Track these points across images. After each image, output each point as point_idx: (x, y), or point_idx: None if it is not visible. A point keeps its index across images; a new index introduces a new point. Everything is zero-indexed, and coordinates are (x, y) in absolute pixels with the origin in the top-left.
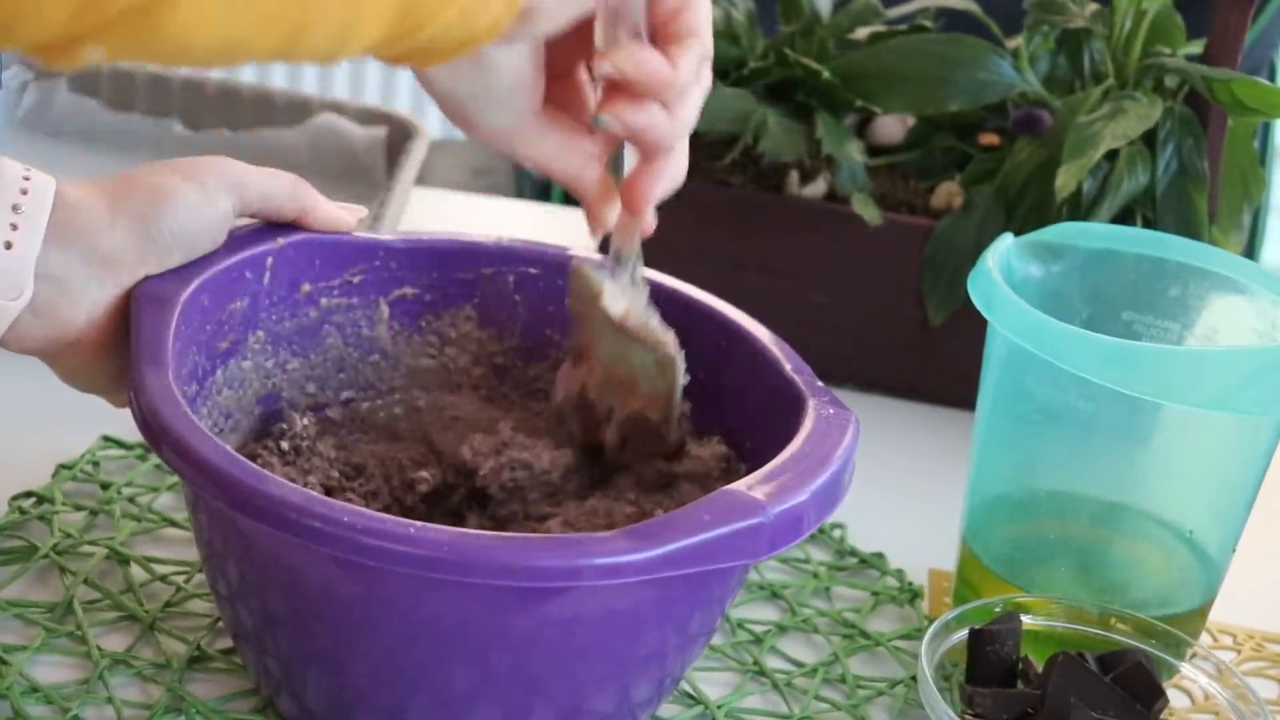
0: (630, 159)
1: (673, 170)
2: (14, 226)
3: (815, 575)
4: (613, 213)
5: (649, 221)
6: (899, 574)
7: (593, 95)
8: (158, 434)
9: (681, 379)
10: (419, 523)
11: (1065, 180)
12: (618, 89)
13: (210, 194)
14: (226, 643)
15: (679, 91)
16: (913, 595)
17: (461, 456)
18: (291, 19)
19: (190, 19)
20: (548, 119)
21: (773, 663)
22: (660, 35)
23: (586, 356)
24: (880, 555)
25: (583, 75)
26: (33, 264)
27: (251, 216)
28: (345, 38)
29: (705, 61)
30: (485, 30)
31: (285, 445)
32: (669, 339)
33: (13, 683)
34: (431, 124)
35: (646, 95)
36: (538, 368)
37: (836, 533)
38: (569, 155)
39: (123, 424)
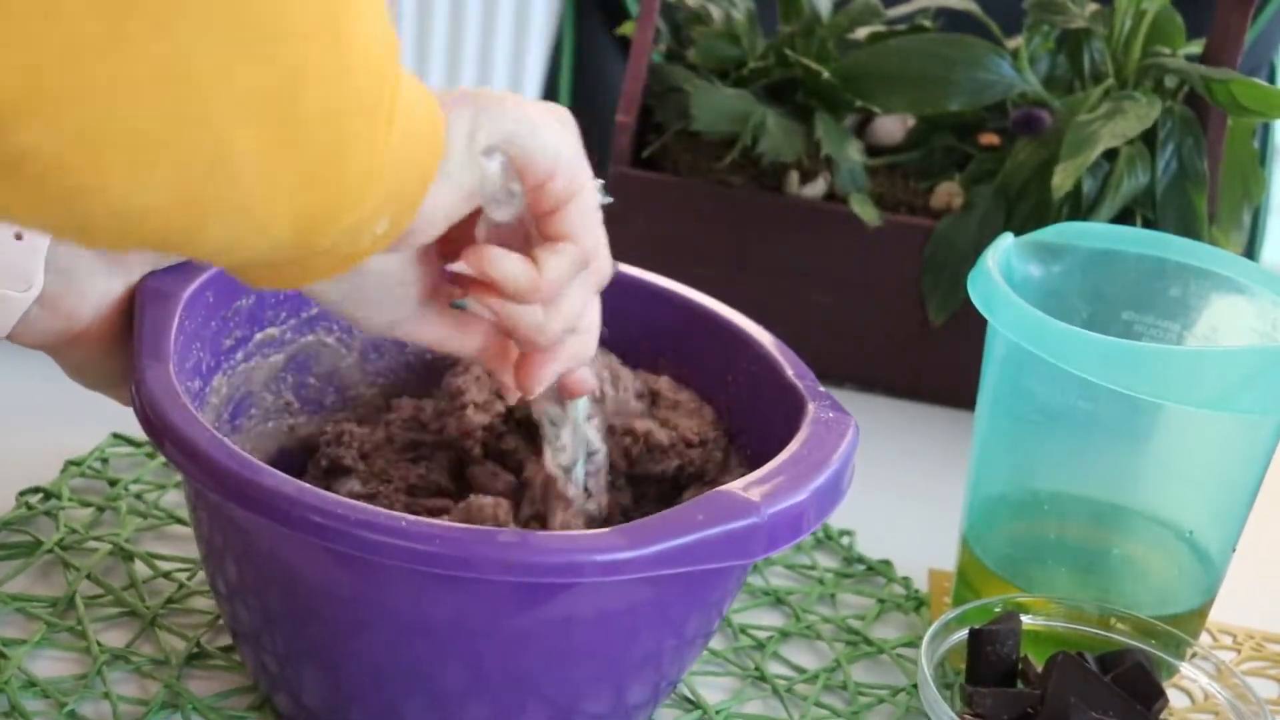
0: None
1: (571, 351)
2: None
3: (821, 582)
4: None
5: (581, 382)
6: (905, 581)
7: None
8: (157, 426)
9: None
10: (412, 516)
11: (1062, 179)
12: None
13: None
14: (226, 640)
15: (546, 296)
16: (919, 603)
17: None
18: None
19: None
20: (437, 307)
21: (774, 669)
22: (539, 236)
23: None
24: (887, 563)
25: None
26: (43, 255)
27: None
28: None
29: (581, 264)
30: (366, 248)
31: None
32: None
33: (10, 677)
34: None
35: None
36: None
37: (845, 540)
38: (461, 339)
39: (132, 422)
